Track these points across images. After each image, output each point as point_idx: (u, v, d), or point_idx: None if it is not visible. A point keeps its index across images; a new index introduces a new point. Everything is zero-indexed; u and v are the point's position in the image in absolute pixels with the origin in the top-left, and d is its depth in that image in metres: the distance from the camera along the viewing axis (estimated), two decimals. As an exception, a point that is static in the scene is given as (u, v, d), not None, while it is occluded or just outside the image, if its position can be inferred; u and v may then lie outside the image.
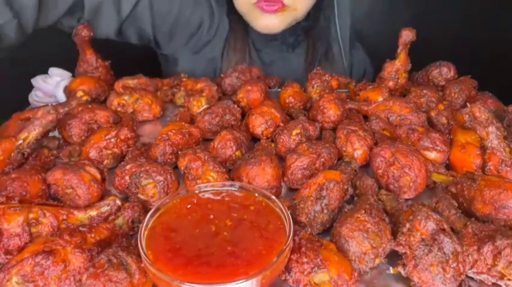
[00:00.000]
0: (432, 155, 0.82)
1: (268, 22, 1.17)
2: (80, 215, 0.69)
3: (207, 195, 0.65)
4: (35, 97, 1.12)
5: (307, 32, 1.32)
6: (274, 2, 1.13)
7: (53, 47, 1.23)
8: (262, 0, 1.12)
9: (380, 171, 0.77)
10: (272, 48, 1.30)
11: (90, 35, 1.06)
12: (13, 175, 0.73)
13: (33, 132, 0.82)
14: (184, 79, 1.13)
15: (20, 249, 0.61)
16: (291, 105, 1.04)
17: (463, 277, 0.57)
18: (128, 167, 0.75)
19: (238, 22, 1.28)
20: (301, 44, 1.34)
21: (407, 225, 0.59)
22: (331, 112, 0.95)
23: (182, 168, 0.77)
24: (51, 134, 0.91)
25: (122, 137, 0.87)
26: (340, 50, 1.32)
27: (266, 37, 1.27)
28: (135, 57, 1.40)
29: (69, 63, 1.15)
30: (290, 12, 1.17)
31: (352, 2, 1.33)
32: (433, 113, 0.94)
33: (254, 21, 1.20)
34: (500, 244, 0.58)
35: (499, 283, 0.59)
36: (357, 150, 0.83)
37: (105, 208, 0.71)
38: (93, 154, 0.83)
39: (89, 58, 1.10)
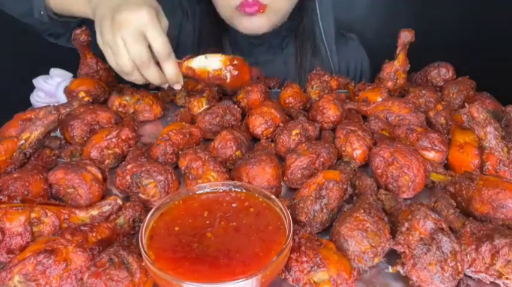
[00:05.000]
0: (431, 155, 0.83)
1: (253, 24, 1.17)
2: (82, 215, 0.70)
3: (207, 195, 0.66)
4: (36, 97, 1.13)
5: (294, 32, 1.32)
6: (253, 5, 1.12)
7: (55, 48, 1.23)
8: (244, 5, 1.13)
9: (379, 171, 0.77)
10: (260, 52, 1.31)
11: (89, 40, 1.07)
12: (15, 175, 0.74)
13: (35, 133, 0.83)
14: (184, 80, 1.13)
15: (22, 248, 0.62)
16: (290, 105, 1.04)
17: (461, 276, 0.57)
18: (129, 166, 0.76)
19: (210, 33, 1.30)
20: (290, 44, 1.34)
21: (406, 224, 0.59)
22: (330, 112, 0.96)
23: (183, 168, 0.78)
24: (52, 134, 0.92)
25: (123, 137, 0.88)
26: (325, 50, 1.32)
27: (252, 42, 1.28)
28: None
29: (71, 64, 1.15)
30: (272, 12, 1.17)
31: (335, 6, 1.33)
32: (431, 113, 0.95)
33: (239, 25, 1.20)
34: (498, 243, 0.58)
35: (497, 281, 0.59)
36: (356, 150, 0.84)
37: (106, 207, 0.72)
38: (94, 153, 0.84)
39: (89, 61, 1.11)
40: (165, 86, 0.92)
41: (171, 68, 0.86)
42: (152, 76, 0.86)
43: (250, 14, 1.14)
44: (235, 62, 0.89)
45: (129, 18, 0.79)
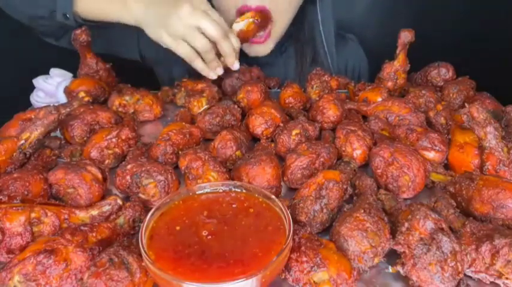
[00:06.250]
0: (431, 155, 0.83)
1: (258, 51, 1.21)
2: (82, 215, 0.70)
3: (207, 195, 0.66)
4: (36, 97, 1.13)
5: (294, 36, 1.33)
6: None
7: (55, 48, 1.23)
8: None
9: (379, 171, 0.77)
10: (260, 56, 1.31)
11: (89, 40, 1.07)
12: (15, 175, 0.74)
13: (35, 133, 0.83)
14: (184, 80, 1.13)
15: (22, 248, 0.62)
16: (290, 105, 1.04)
17: (461, 276, 0.58)
18: (129, 166, 0.76)
19: None
20: (289, 48, 1.34)
21: (406, 224, 0.59)
22: (330, 112, 0.96)
23: (183, 168, 0.78)
24: (52, 134, 0.92)
25: (123, 137, 0.88)
26: (326, 54, 1.33)
27: None
28: (133, 60, 1.40)
29: (71, 64, 1.15)
30: (273, 30, 1.18)
31: (335, 7, 1.34)
32: (431, 113, 0.95)
33: (244, 49, 1.21)
34: (498, 243, 0.58)
35: (497, 281, 0.59)
36: (356, 150, 0.84)
37: (106, 207, 0.72)
38: (94, 153, 0.84)
39: (89, 61, 1.11)
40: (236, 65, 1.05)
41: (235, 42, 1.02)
42: (231, 47, 1.00)
43: (256, 43, 1.17)
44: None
45: (189, 9, 0.93)
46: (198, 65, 1.00)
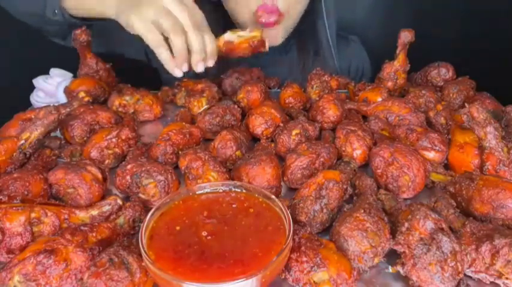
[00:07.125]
0: (431, 155, 0.83)
1: (269, 36, 1.15)
2: (82, 215, 0.70)
3: (207, 195, 0.66)
4: (36, 97, 1.13)
5: (297, 34, 1.33)
6: (271, 13, 1.13)
7: (55, 48, 1.23)
8: (262, 10, 1.12)
9: (379, 171, 0.77)
10: (263, 53, 1.31)
11: (89, 40, 1.07)
12: (15, 175, 0.74)
13: (35, 133, 0.83)
14: (185, 80, 1.13)
15: (22, 248, 0.62)
16: (290, 105, 1.04)
17: (461, 276, 0.58)
18: (129, 166, 0.76)
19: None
20: (293, 46, 1.34)
21: (406, 224, 0.59)
22: (330, 112, 0.96)
23: (183, 168, 0.78)
24: (52, 134, 0.92)
25: (123, 137, 0.88)
26: (330, 49, 1.32)
27: None
28: (136, 59, 1.40)
29: (71, 64, 1.15)
30: (286, 20, 1.17)
31: (338, 4, 1.34)
32: (431, 113, 0.95)
33: None
34: (498, 243, 0.58)
35: (497, 281, 0.59)
36: (356, 150, 0.84)
37: (106, 207, 0.72)
38: (94, 153, 0.84)
39: (89, 62, 1.10)
40: (201, 66, 0.91)
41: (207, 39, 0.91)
42: (200, 42, 0.89)
43: (266, 26, 1.14)
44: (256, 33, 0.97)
45: None
46: (163, 54, 0.88)
